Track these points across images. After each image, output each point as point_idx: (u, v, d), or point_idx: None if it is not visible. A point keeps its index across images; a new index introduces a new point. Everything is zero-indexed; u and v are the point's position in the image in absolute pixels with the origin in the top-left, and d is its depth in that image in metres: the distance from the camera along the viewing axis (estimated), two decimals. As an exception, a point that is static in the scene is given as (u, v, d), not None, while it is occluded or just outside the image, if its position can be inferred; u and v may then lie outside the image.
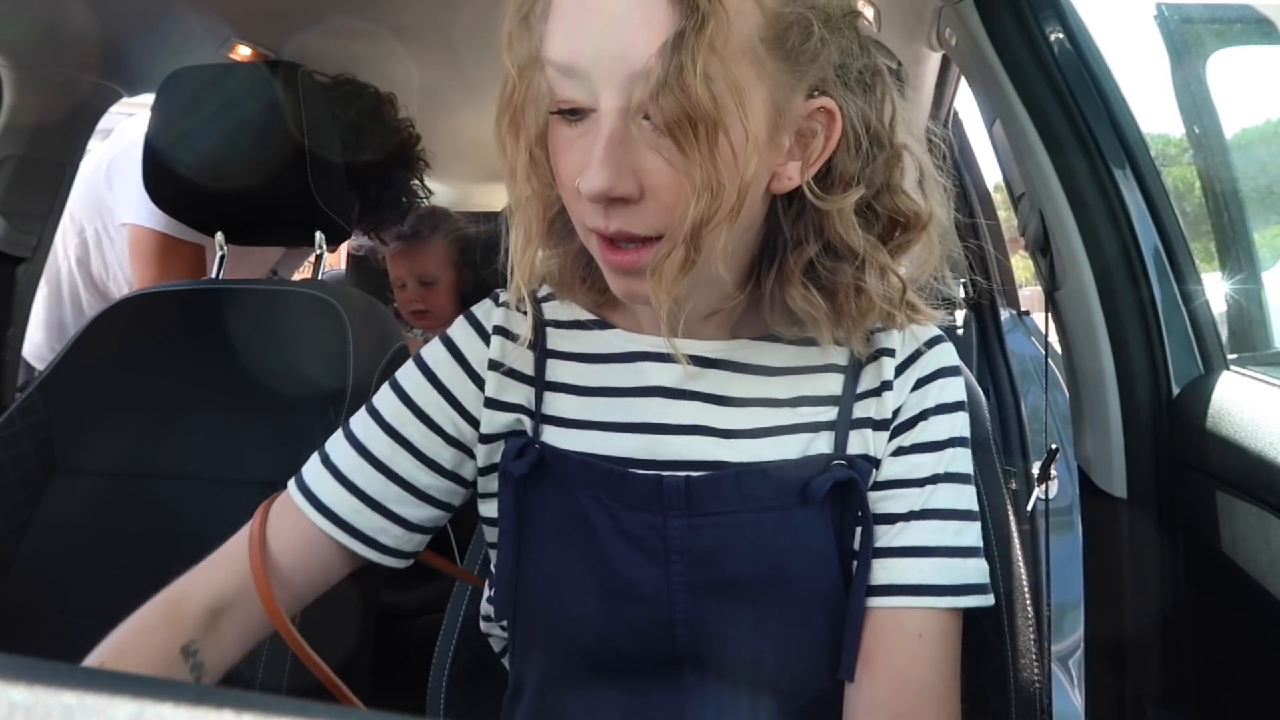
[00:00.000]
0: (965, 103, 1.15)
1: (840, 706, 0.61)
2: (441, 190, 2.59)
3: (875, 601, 0.61)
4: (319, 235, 1.24)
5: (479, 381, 0.67)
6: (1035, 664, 0.79)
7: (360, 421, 0.68)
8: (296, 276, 1.95)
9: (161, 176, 1.16)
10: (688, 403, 0.64)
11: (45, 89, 1.25)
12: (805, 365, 0.65)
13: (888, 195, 0.60)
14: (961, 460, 0.65)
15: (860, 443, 0.64)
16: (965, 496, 0.64)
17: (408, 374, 0.68)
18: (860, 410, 0.64)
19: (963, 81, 1.12)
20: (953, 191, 0.65)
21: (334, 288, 1.18)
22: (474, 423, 0.67)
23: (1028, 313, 2.04)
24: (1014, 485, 1.58)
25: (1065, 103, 0.93)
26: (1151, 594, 0.93)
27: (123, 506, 1.08)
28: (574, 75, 0.52)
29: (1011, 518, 0.82)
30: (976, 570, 0.62)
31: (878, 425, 0.64)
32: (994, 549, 0.76)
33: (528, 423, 0.67)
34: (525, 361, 0.67)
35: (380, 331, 1.17)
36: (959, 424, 0.65)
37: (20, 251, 1.30)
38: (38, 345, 1.66)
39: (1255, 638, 0.79)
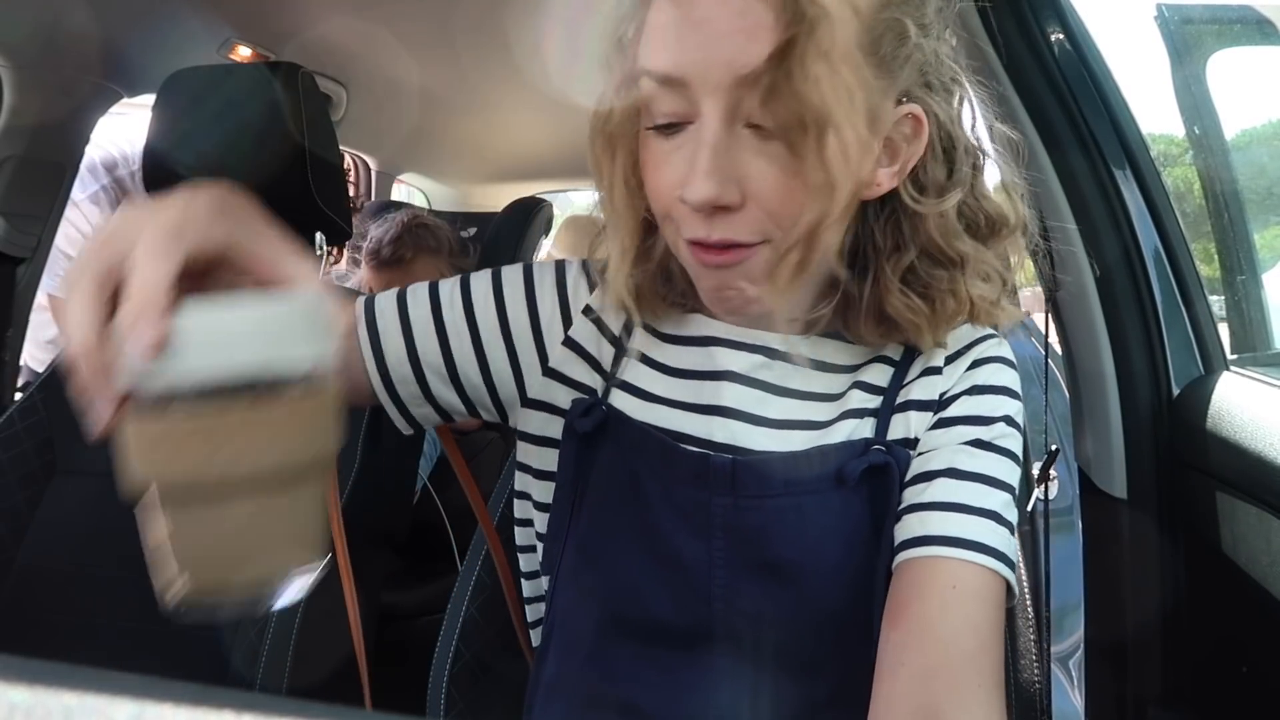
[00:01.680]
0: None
1: (869, 690, 0.60)
2: (442, 191, 2.59)
3: (908, 554, 0.60)
4: (319, 236, 1.24)
5: (568, 320, 0.69)
6: (1035, 664, 0.79)
7: (448, 288, 0.70)
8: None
9: (161, 178, 1.16)
10: (750, 390, 0.65)
11: (45, 90, 1.25)
12: (861, 361, 0.67)
13: (974, 200, 0.61)
14: (1012, 441, 0.63)
15: (902, 426, 0.65)
16: (1011, 474, 0.63)
17: (511, 275, 0.70)
18: (905, 395, 0.65)
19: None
20: (1030, 192, 0.66)
21: (334, 288, 1.18)
22: (543, 354, 0.69)
23: (1028, 313, 2.03)
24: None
25: (1066, 103, 0.93)
26: (1151, 594, 0.93)
27: (122, 507, 1.07)
28: (674, 86, 0.53)
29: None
30: (1009, 544, 0.60)
31: (922, 406, 0.65)
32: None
33: (598, 381, 0.68)
34: (616, 321, 0.69)
35: (380, 332, 1.17)
36: (1011, 408, 0.65)
37: (20, 252, 1.30)
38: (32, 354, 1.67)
39: (1255, 638, 0.79)
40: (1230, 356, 0.97)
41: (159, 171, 1.16)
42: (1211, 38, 1.11)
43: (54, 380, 1.15)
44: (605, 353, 0.69)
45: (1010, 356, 0.67)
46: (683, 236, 0.56)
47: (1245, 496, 0.77)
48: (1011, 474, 0.63)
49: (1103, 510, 0.98)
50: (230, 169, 1.13)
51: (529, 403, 0.70)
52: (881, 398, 0.65)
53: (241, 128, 1.13)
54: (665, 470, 0.64)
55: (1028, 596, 0.88)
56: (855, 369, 0.66)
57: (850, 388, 0.66)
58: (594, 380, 0.69)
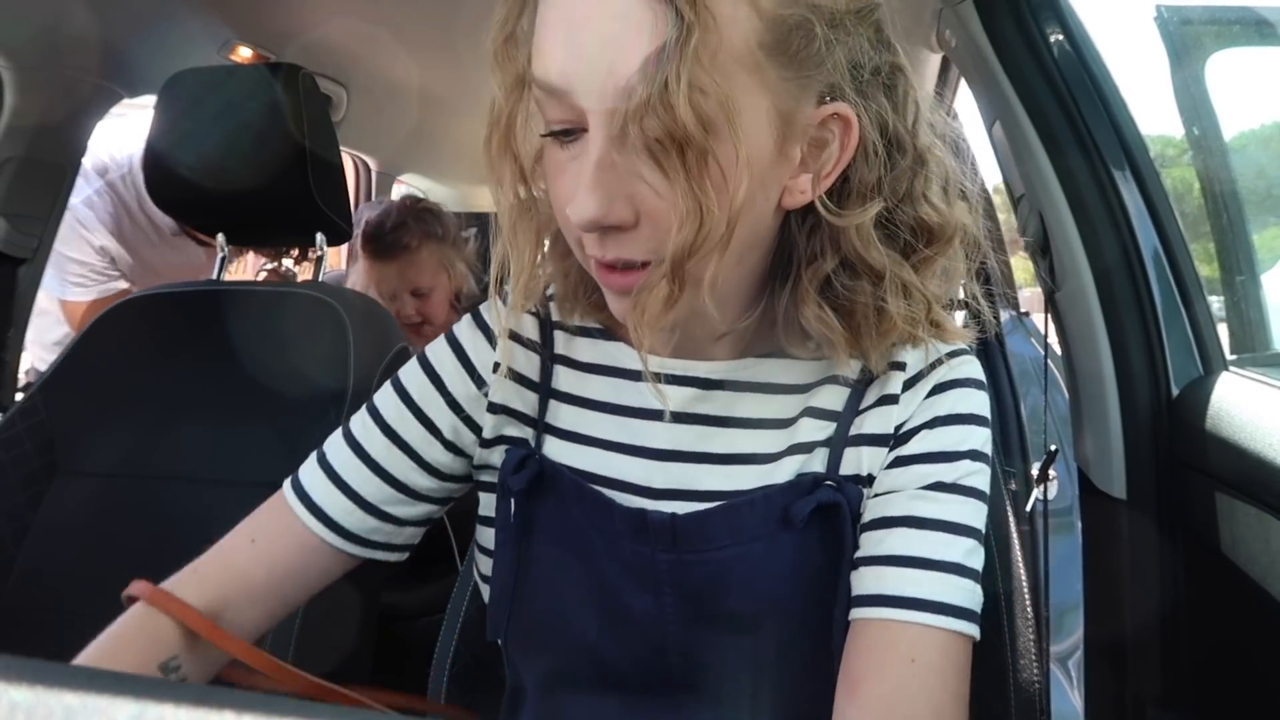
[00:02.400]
0: (965, 104, 1.15)
1: None
2: (442, 191, 2.59)
3: (863, 613, 0.56)
4: (320, 236, 1.24)
5: (482, 385, 0.65)
6: (1035, 664, 0.79)
7: (359, 421, 0.66)
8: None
9: (163, 179, 1.16)
10: (690, 427, 0.61)
11: (46, 90, 1.25)
12: (813, 380, 0.61)
13: (910, 205, 0.56)
14: (978, 478, 0.59)
15: (854, 462, 0.60)
16: (976, 515, 0.58)
17: (410, 373, 0.66)
18: (858, 426, 0.60)
19: (963, 83, 1.12)
20: (980, 198, 0.60)
21: (334, 289, 1.18)
22: (475, 427, 0.65)
23: (1028, 314, 2.04)
24: (1014, 486, 1.58)
25: (1065, 104, 0.93)
26: (1151, 595, 0.93)
27: (124, 507, 1.08)
28: (561, 94, 0.48)
29: (1011, 518, 0.82)
30: (973, 596, 0.56)
31: (876, 441, 0.60)
32: (993, 550, 0.76)
33: (529, 432, 0.65)
34: (531, 366, 0.65)
35: (380, 332, 1.17)
36: (977, 438, 0.59)
37: (21, 253, 1.31)
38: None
39: (1255, 639, 0.79)
40: (1229, 357, 0.97)
41: (161, 173, 1.16)
42: (1211, 38, 1.11)
43: (55, 380, 1.15)
44: (529, 400, 0.65)
45: (978, 375, 0.62)
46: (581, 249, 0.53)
47: (1244, 497, 0.77)
48: (977, 515, 0.58)
49: (1102, 510, 0.98)
50: (231, 170, 1.13)
51: (478, 466, 0.68)
52: (834, 425, 0.60)
53: (242, 128, 1.13)
54: (606, 524, 0.61)
55: (1027, 596, 0.88)
56: (806, 389, 0.61)
57: (801, 414, 0.61)
58: (526, 433, 0.65)
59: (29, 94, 1.23)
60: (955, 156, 0.59)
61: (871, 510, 0.59)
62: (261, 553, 0.64)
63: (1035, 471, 1.13)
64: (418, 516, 0.68)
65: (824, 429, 0.61)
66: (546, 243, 0.60)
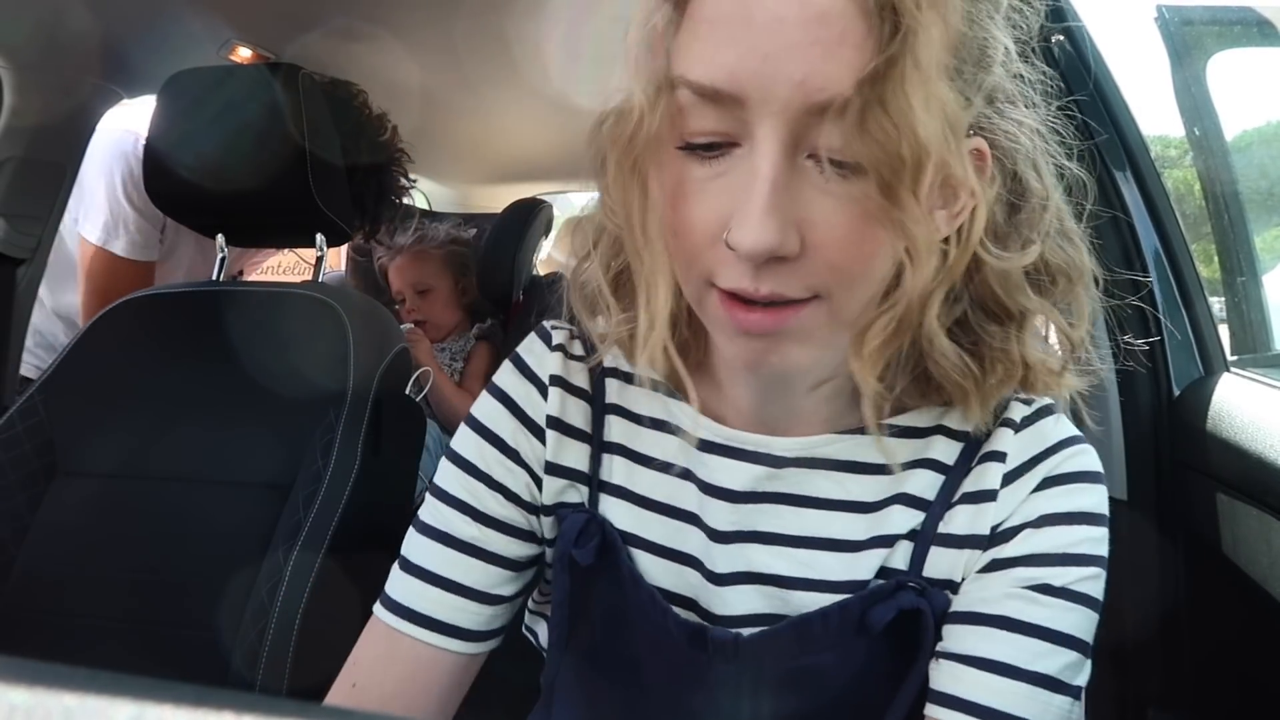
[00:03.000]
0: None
1: None
2: (442, 192, 2.59)
3: (933, 712, 0.50)
4: (319, 237, 1.24)
5: (542, 437, 0.59)
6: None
7: (431, 510, 0.60)
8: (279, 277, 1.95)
9: (162, 178, 1.16)
10: (759, 506, 0.55)
11: (45, 91, 1.25)
12: (906, 460, 0.55)
13: (1040, 245, 0.51)
14: (1091, 584, 0.51)
15: (942, 563, 0.54)
16: (1085, 626, 0.51)
17: (465, 441, 0.60)
18: (948, 523, 0.54)
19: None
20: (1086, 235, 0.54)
21: (334, 289, 1.18)
22: (538, 489, 0.60)
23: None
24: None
25: (1066, 104, 0.93)
26: (1152, 596, 0.93)
27: (123, 508, 1.08)
28: (721, 101, 0.42)
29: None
30: (1070, 718, 0.49)
31: (968, 543, 0.53)
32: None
33: (584, 490, 0.59)
34: (582, 416, 0.59)
35: (381, 333, 1.17)
36: (1093, 540, 0.52)
37: (20, 253, 1.30)
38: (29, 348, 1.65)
39: (1256, 640, 0.79)
40: (1230, 358, 0.97)
41: (160, 172, 1.16)
42: (1212, 39, 1.11)
43: (54, 381, 1.15)
44: (580, 455, 0.59)
45: (1094, 468, 0.54)
46: (719, 286, 0.45)
47: (1245, 498, 0.77)
48: (1085, 625, 0.51)
49: (1103, 511, 0.98)
50: (231, 170, 1.13)
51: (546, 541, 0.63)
52: (924, 516, 0.54)
53: (241, 129, 1.13)
54: (660, 622, 0.56)
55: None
56: (895, 470, 0.55)
57: (890, 500, 0.54)
58: (581, 492, 0.59)
59: (28, 94, 1.23)
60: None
61: (960, 601, 0.53)
62: (369, 695, 0.57)
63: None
64: (529, 582, 0.62)
65: (913, 519, 0.54)
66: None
